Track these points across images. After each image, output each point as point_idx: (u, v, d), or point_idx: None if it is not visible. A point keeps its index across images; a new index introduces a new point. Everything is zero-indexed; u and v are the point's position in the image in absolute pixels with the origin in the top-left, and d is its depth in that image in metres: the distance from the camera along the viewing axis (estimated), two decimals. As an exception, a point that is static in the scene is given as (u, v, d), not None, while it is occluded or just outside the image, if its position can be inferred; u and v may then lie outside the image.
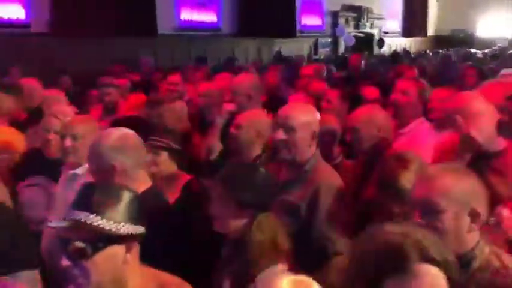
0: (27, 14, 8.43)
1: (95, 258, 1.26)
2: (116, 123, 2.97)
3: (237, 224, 1.82)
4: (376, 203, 2.14)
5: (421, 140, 2.98)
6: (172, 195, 2.42)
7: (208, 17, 12.10)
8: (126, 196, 1.32)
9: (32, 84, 4.19)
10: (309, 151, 2.34)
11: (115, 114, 4.20)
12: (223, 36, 11.99)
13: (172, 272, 1.51)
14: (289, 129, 2.29)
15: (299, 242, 1.90)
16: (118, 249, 1.29)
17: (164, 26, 10.13)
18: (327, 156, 2.66)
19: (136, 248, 1.35)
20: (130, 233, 1.29)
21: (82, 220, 1.25)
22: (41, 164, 2.89)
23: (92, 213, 1.26)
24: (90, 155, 2.12)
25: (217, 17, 12.29)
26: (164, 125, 3.16)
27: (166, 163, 2.58)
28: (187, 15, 11.47)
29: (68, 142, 2.53)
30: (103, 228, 1.25)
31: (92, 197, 1.29)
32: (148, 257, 1.40)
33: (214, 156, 3.22)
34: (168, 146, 2.58)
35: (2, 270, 1.78)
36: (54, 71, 5.05)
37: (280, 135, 2.30)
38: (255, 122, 2.79)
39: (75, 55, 7.90)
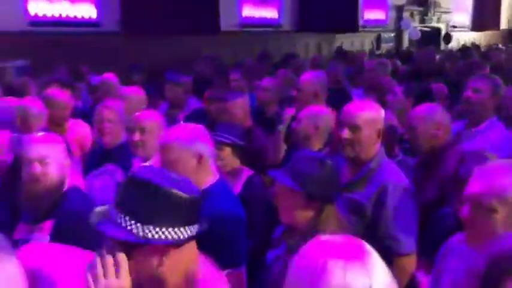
0: (98, 13, 8.86)
1: (133, 258, 1.21)
2: (185, 119, 3.11)
3: (304, 215, 1.83)
4: (437, 202, 2.09)
5: (494, 139, 2.86)
6: (234, 190, 2.48)
7: (269, 13, 12.15)
8: (175, 200, 1.22)
9: (109, 80, 4.39)
10: (373, 149, 2.31)
11: (179, 110, 4.34)
12: (284, 33, 11.99)
13: (233, 265, 1.52)
14: (355, 128, 2.28)
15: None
16: (153, 254, 1.23)
17: (226, 23, 10.28)
18: (388, 154, 2.62)
19: (181, 250, 1.26)
20: (169, 238, 1.21)
21: (126, 227, 1.20)
22: (99, 153, 3.06)
23: (125, 214, 1.20)
24: (167, 149, 2.14)
25: (278, 13, 12.32)
26: (227, 120, 3.23)
27: (230, 158, 2.63)
28: (249, 11, 11.58)
29: (137, 136, 2.65)
30: (131, 232, 1.19)
31: (136, 201, 1.22)
32: (211, 249, 1.37)
33: (280, 156, 3.28)
34: (231, 142, 2.63)
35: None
36: (123, 68, 5.28)
37: (346, 133, 2.29)
38: (315, 116, 2.80)
39: (142, 53, 8.21)
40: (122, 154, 2.84)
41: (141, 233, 1.20)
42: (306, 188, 1.82)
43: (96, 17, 8.85)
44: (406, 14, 15.28)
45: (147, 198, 1.20)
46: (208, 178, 2.08)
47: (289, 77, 5.08)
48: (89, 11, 8.80)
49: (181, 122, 3.81)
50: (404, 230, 2.13)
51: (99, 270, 1.17)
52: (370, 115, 2.30)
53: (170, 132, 2.17)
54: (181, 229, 1.22)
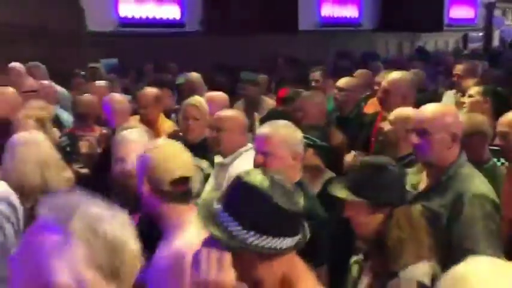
0: (182, 14, 9.24)
1: (234, 259, 1.21)
2: (267, 117, 3.18)
3: (373, 222, 1.82)
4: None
5: None
6: (314, 190, 2.48)
7: (349, 12, 11.99)
8: (281, 211, 1.22)
9: (194, 79, 4.57)
10: (449, 154, 2.19)
11: (255, 109, 4.41)
12: (364, 32, 11.78)
13: (316, 265, 1.53)
14: (422, 133, 2.19)
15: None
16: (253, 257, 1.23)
17: (305, 22, 10.30)
18: (476, 160, 2.49)
19: (277, 259, 1.25)
20: (271, 247, 1.21)
21: (223, 223, 1.21)
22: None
23: (239, 222, 1.20)
24: (266, 146, 2.18)
25: (359, 12, 12.11)
26: (308, 120, 3.24)
27: (312, 158, 2.63)
28: (328, 11, 11.50)
29: (216, 134, 2.76)
30: (235, 236, 1.20)
31: (242, 205, 1.23)
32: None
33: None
34: (312, 142, 2.64)
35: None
36: (206, 67, 5.47)
37: (414, 139, 2.21)
38: (406, 119, 2.71)
39: (223, 52, 8.43)
40: (204, 150, 2.97)
41: (242, 238, 1.21)
42: (366, 197, 1.79)
43: (180, 18, 9.24)
44: (497, 12, 14.38)
45: (254, 205, 1.22)
46: (296, 176, 2.12)
47: (368, 77, 5.00)
48: (173, 12, 9.20)
49: (257, 121, 3.89)
50: (481, 242, 2.00)
51: (206, 264, 1.18)
52: (440, 119, 2.19)
53: (272, 130, 2.20)
54: (283, 239, 1.23)
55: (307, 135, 2.62)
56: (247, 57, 7.58)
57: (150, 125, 3.46)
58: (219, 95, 3.88)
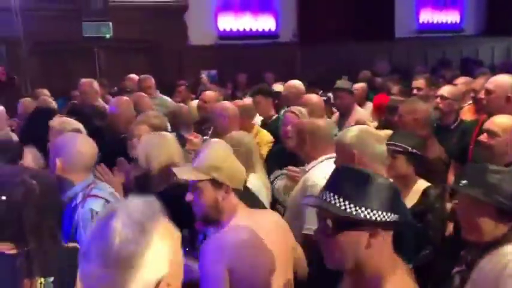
0: (277, 25, 9.49)
1: (338, 237, 1.34)
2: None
3: (492, 231, 1.77)
4: None
5: None
6: (406, 200, 2.46)
7: (450, 17, 11.47)
8: (376, 183, 1.37)
9: (293, 87, 4.66)
10: None
11: (347, 117, 4.42)
12: (464, 37, 11.19)
13: None
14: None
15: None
16: (362, 234, 1.34)
17: (402, 29, 10.05)
18: None
19: (384, 235, 1.37)
20: (371, 218, 1.32)
21: (327, 200, 1.35)
22: (281, 155, 3.35)
23: (338, 195, 1.34)
24: (337, 147, 2.33)
25: (460, 17, 11.54)
26: (403, 128, 3.20)
27: (403, 167, 2.62)
28: (427, 17, 11.10)
29: (299, 140, 2.87)
30: (344, 210, 1.33)
31: (341, 180, 1.39)
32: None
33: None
34: (404, 150, 2.62)
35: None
36: (301, 77, 5.57)
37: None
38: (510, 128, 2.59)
39: (318, 61, 8.51)
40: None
41: (354, 212, 1.34)
42: (497, 202, 1.74)
43: (275, 29, 9.49)
44: None
45: (359, 184, 1.37)
46: None
47: (470, 84, 4.78)
48: (269, 24, 9.48)
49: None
50: None
51: None
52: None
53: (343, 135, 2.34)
54: (387, 214, 1.35)
55: (399, 143, 2.61)
56: (342, 66, 7.58)
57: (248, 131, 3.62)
58: (316, 99, 3.98)
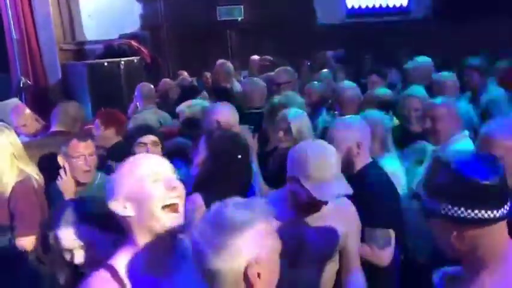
0: (409, 0, 9.06)
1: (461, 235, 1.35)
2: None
3: None
4: None
5: None
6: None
7: None
8: (480, 186, 1.32)
9: (424, 65, 4.49)
10: None
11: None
12: None
13: None
14: None
15: None
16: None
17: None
18: None
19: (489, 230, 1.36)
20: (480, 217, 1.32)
21: (442, 212, 1.35)
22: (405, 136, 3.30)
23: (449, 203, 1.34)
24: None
25: None
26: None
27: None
28: None
29: (428, 123, 2.79)
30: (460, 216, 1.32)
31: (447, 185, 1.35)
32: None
33: None
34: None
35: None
36: (435, 54, 5.27)
37: None
38: None
39: (454, 37, 7.97)
40: (425, 139, 3.00)
41: (455, 214, 1.34)
42: None
43: (407, 5, 9.06)
44: None
45: (456, 184, 1.34)
46: None
47: None
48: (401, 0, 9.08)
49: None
50: None
51: None
52: None
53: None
54: (488, 211, 1.34)
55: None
56: (478, 43, 7.02)
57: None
58: (450, 79, 3.83)
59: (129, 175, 1.49)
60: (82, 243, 1.73)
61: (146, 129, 2.97)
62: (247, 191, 2.35)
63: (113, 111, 3.80)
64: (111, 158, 3.25)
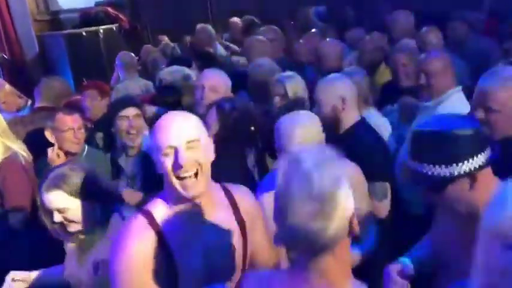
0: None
1: (445, 192, 1.44)
2: None
3: None
4: None
5: None
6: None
7: None
8: (462, 138, 1.40)
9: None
10: None
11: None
12: None
13: None
14: None
15: None
16: (463, 181, 1.42)
17: None
18: None
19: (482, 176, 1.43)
20: (471, 170, 1.40)
21: (419, 170, 1.44)
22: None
23: (425, 163, 1.42)
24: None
25: None
26: None
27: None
28: None
29: (423, 79, 2.78)
30: (438, 175, 1.41)
31: (433, 149, 1.43)
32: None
33: None
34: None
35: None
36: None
37: None
38: None
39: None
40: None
41: (448, 174, 1.41)
42: None
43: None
44: None
45: (440, 145, 1.41)
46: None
47: None
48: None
49: None
50: None
51: None
52: None
53: None
54: (474, 158, 1.41)
55: None
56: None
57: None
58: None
59: (152, 138, 1.54)
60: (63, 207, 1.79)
61: (127, 102, 2.91)
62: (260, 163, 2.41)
63: (101, 82, 3.73)
64: (99, 129, 3.21)
